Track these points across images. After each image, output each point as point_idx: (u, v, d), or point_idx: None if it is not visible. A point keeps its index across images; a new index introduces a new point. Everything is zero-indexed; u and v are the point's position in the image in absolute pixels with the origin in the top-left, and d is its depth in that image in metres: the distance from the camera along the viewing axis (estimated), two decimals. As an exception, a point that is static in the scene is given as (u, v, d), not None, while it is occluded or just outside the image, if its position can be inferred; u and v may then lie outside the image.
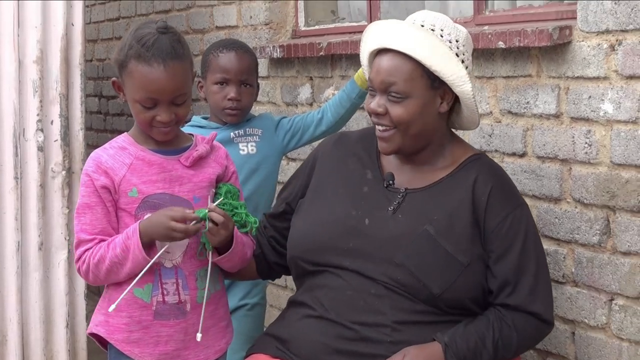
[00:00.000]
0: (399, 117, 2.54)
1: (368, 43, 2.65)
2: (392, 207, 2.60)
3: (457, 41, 2.57)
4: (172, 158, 2.52)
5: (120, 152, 2.50)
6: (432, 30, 2.56)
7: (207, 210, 2.43)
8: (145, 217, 2.45)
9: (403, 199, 2.61)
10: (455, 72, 2.52)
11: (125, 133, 2.56)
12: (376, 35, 2.61)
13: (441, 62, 2.51)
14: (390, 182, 2.64)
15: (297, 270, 2.71)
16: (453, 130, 2.73)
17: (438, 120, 2.60)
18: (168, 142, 2.53)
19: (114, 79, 2.52)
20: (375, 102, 2.57)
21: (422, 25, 2.57)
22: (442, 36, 2.56)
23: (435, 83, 2.54)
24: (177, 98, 2.45)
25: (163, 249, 2.45)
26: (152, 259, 2.42)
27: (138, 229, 2.41)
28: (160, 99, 2.43)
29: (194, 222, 2.42)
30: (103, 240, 2.46)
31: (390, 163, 2.69)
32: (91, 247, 2.47)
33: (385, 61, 2.56)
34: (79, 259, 2.49)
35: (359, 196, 2.65)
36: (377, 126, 2.61)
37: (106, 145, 2.54)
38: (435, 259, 2.51)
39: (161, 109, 2.44)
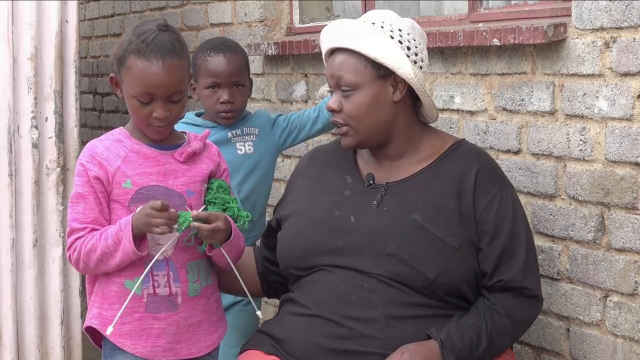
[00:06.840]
0: (351, 111, 2.60)
1: (322, 47, 2.72)
2: (375, 202, 2.62)
3: (399, 30, 2.63)
4: (167, 153, 2.54)
5: (116, 144, 2.52)
6: (373, 24, 2.63)
7: (191, 219, 2.42)
8: (138, 209, 2.45)
9: (385, 192, 2.63)
10: (391, 56, 2.57)
11: (122, 127, 2.58)
12: (324, 38, 2.70)
13: (377, 48, 2.58)
14: (371, 181, 2.66)
15: (291, 278, 2.73)
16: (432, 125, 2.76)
17: (395, 110, 2.63)
18: (162, 140, 2.55)
19: (111, 75, 2.54)
20: (332, 99, 2.65)
21: (365, 21, 2.66)
22: (382, 27, 2.62)
23: (381, 71, 2.59)
24: (173, 95, 2.47)
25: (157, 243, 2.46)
26: (141, 252, 2.43)
27: (131, 222, 2.41)
28: (157, 94, 2.45)
29: (177, 225, 2.41)
30: (95, 230, 2.47)
31: (367, 164, 2.72)
32: (83, 236, 2.48)
33: (334, 59, 2.65)
34: (70, 246, 2.51)
35: (342, 199, 2.67)
36: (334, 124, 2.68)
37: (102, 136, 2.56)
38: (426, 244, 2.53)
39: (157, 104, 2.46)
